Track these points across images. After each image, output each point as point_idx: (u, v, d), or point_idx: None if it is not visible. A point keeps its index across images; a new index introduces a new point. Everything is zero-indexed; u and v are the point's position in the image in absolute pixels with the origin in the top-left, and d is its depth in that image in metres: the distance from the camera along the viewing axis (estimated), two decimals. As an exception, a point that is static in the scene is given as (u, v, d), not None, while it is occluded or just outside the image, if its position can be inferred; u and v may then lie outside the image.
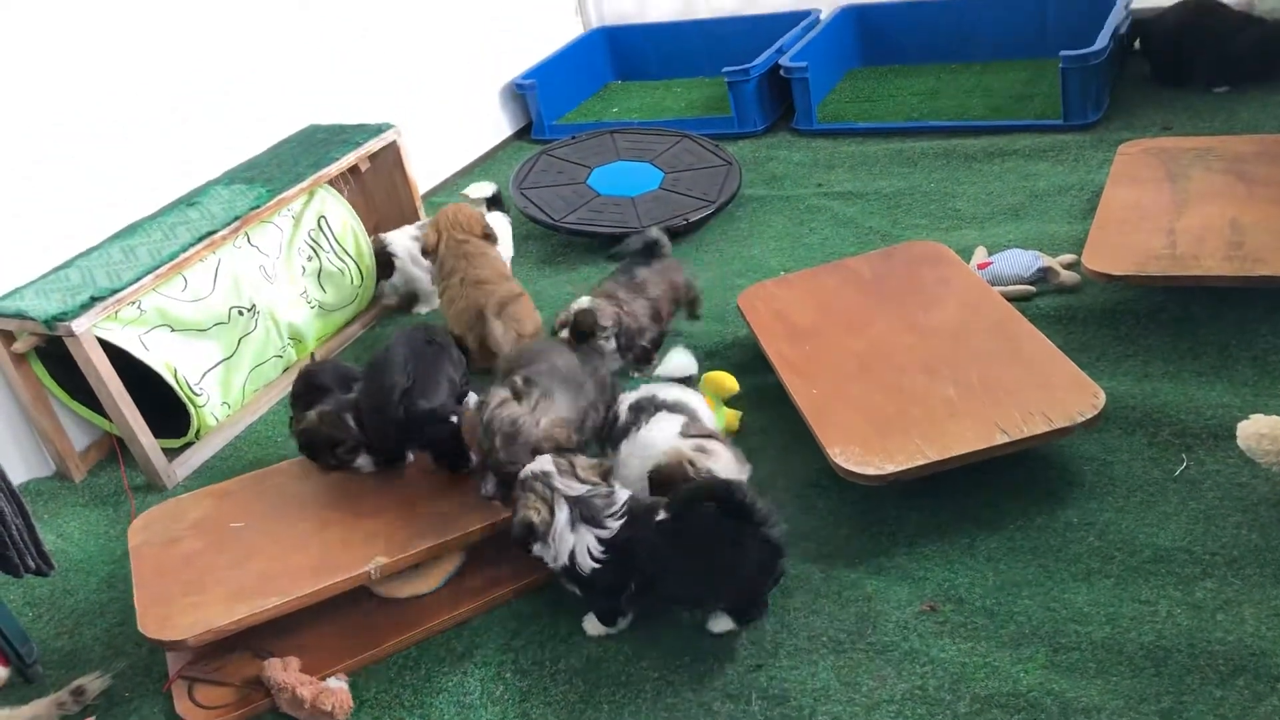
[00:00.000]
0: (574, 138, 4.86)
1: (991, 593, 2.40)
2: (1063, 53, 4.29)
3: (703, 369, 3.15)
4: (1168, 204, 3.29)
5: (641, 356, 3.38)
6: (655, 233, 3.53)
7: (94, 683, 2.64)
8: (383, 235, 4.16)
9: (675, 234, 4.20)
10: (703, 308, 3.60)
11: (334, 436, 2.83)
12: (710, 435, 2.61)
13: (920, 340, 2.97)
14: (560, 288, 4.08)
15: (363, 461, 2.87)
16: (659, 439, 2.58)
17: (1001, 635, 2.29)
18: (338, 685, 2.45)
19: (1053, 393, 2.64)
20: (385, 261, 4.11)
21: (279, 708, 2.46)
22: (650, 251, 3.49)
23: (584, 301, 3.28)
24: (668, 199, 4.36)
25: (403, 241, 4.12)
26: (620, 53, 6.08)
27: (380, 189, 4.38)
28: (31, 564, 2.62)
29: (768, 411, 3.13)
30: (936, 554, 2.53)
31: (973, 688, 2.19)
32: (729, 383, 3.06)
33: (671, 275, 3.48)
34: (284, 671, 2.47)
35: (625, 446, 2.65)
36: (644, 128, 4.91)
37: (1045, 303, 3.34)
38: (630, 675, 2.39)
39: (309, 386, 3.04)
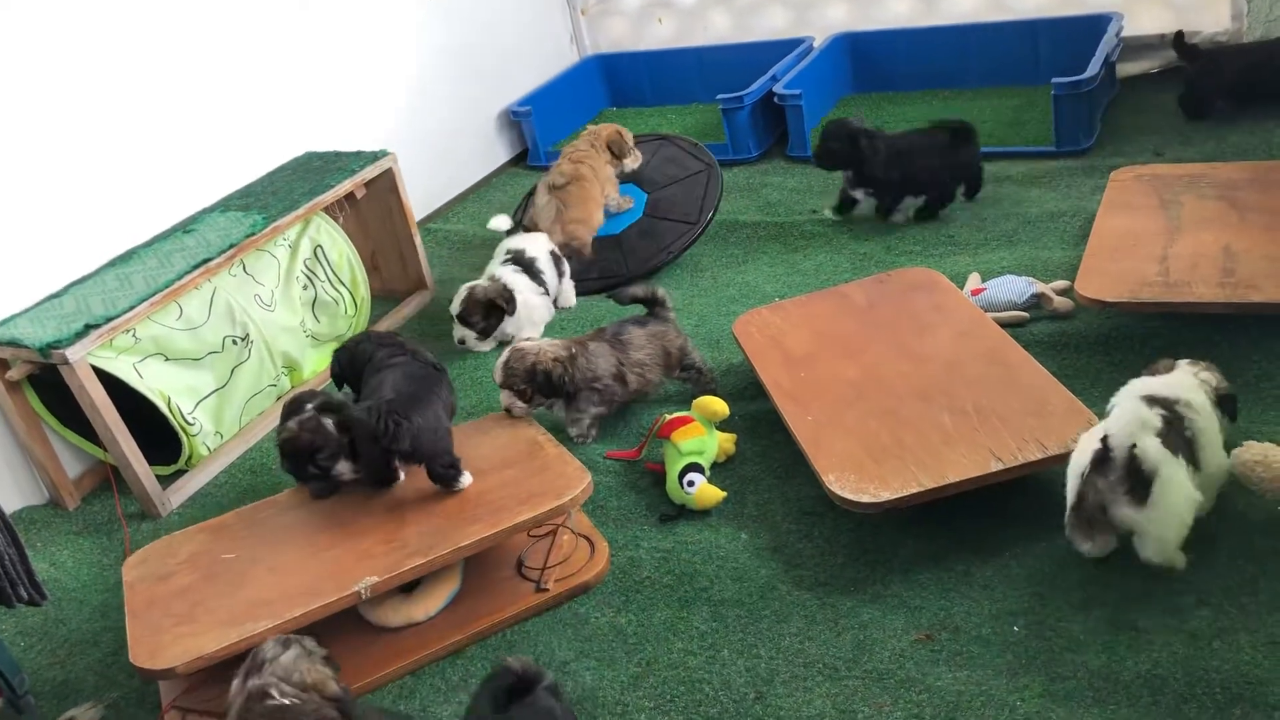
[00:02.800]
0: None
1: (987, 621, 2.39)
2: (1054, 80, 4.32)
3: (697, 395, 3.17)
4: (1160, 231, 3.31)
5: (594, 420, 3.28)
6: (661, 291, 3.40)
7: (86, 713, 2.62)
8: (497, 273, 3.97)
9: (666, 263, 4.22)
10: (709, 378, 3.39)
11: (314, 443, 2.83)
12: None
13: (915, 367, 2.98)
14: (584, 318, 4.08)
15: (343, 468, 2.86)
16: None
17: (998, 664, 2.29)
18: None
19: (1047, 419, 2.64)
20: (501, 302, 3.88)
21: None
22: (651, 304, 3.39)
23: (528, 343, 3.22)
24: (652, 229, 4.35)
25: (523, 279, 3.98)
26: (615, 80, 6.11)
27: (376, 216, 4.39)
28: (24, 594, 2.60)
29: (763, 438, 3.13)
30: (932, 582, 2.53)
31: (969, 716, 2.18)
32: (719, 407, 3.06)
33: (665, 340, 3.33)
34: None
35: None
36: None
37: (1039, 329, 3.35)
38: (625, 705, 2.37)
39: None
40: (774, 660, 2.41)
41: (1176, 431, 2.36)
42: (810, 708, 2.27)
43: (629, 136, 4.55)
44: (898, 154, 4.14)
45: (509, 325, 3.92)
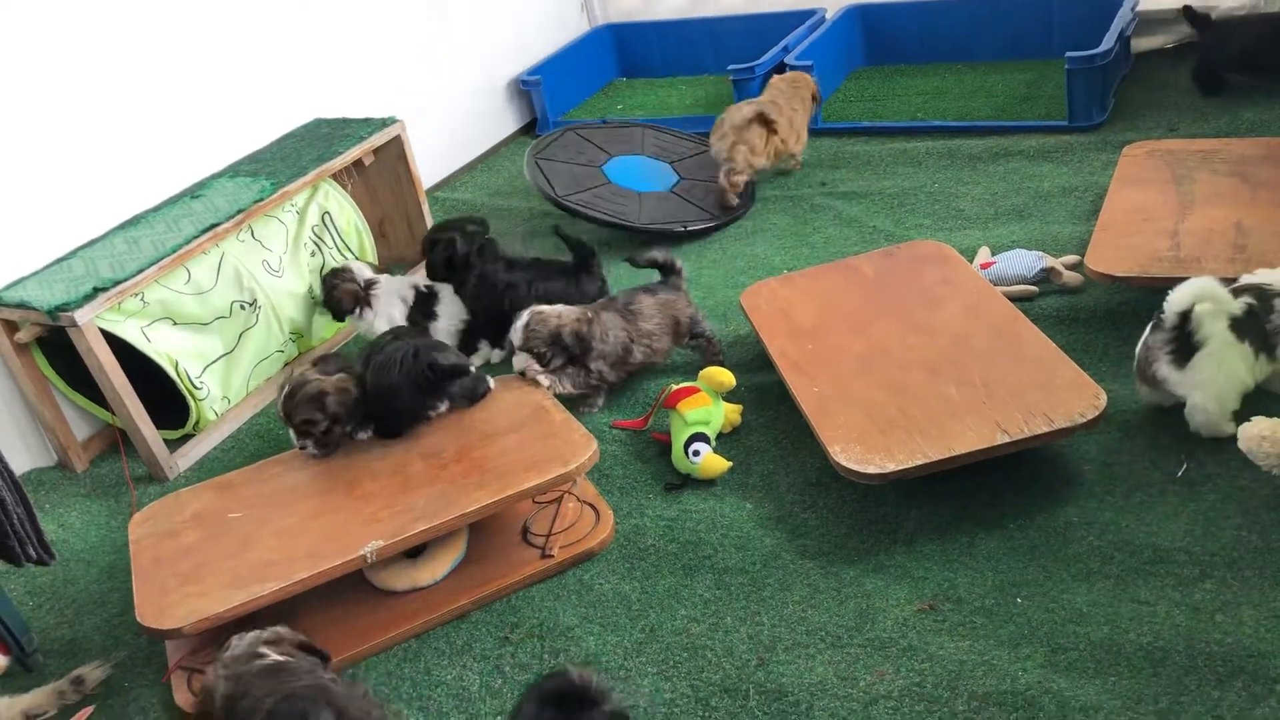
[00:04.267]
0: (605, 122, 4.86)
1: (991, 592, 2.40)
2: (1068, 54, 4.29)
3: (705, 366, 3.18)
4: (1172, 206, 3.29)
5: (583, 385, 3.25)
6: (679, 262, 3.40)
7: (94, 672, 2.64)
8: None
9: (675, 236, 4.21)
10: (717, 349, 3.37)
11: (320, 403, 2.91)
12: None
13: (922, 340, 2.97)
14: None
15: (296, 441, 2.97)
16: None
17: (1000, 634, 2.29)
18: None
19: (1054, 393, 2.64)
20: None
21: None
22: (667, 271, 3.39)
23: (548, 308, 3.22)
24: (673, 203, 4.36)
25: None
26: (626, 50, 6.08)
27: (384, 183, 4.38)
28: (33, 553, 2.63)
29: (769, 410, 3.13)
30: (936, 553, 2.53)
31: (970, 685, 2.19)
32: (726, 378, 3.06)
33: (675, 309, 3.32)
34: None
35: None
36: (676, 130, 4.90)
37: (1048, 303, 3.34)
38: (628, 670, 2.39)
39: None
40: (776, 628, 2.42)
41: (1258, 321, 2.55)
42: (812, 674, 2.28)
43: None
44: (491, 286, 3.55)
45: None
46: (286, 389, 2.96)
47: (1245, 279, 2.65)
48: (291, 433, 2.98)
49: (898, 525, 2.64)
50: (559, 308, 3.22)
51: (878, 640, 2.34)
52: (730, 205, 4.30)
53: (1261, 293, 2.59)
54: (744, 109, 4.35)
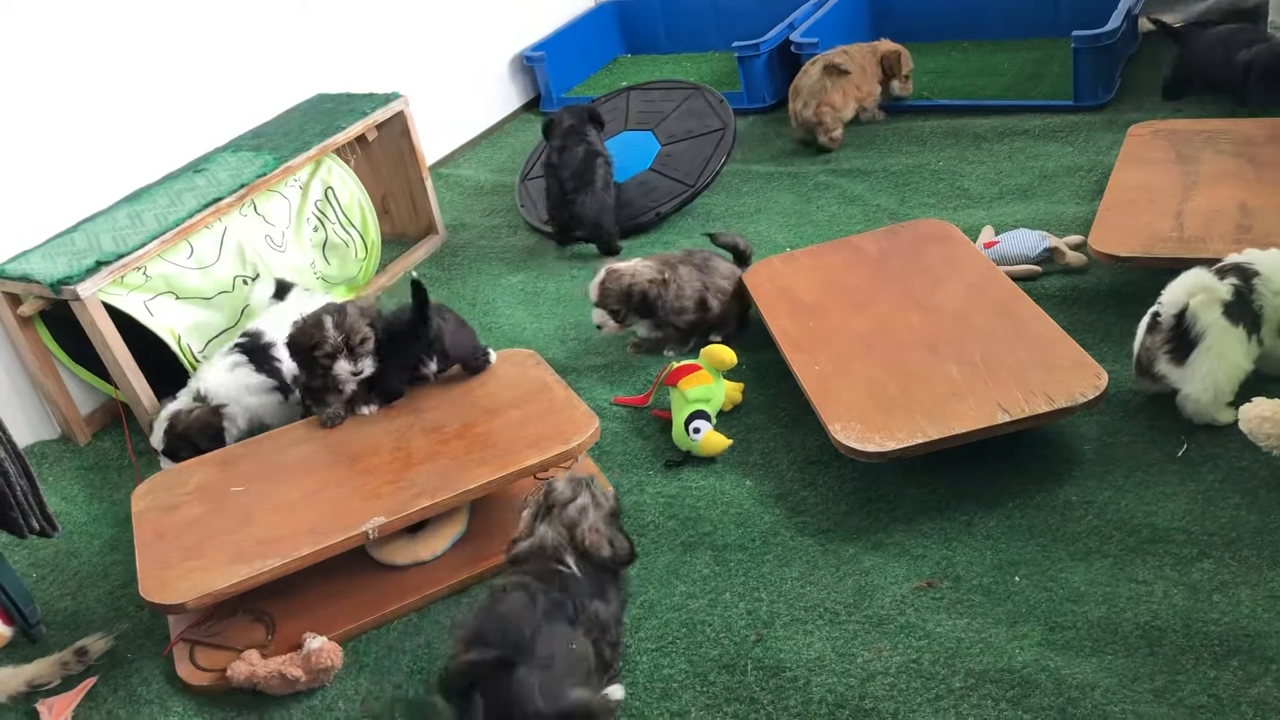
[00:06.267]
0: (594, 101, 4.85)
1: (989, 571, 2.41)
2: (1075, 33, 4.26)
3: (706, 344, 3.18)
4: (1177, 186, 3.28)
5: (675, 337, 3.35)
6: (750, 251, 3.52)
7: (97, 644, 2.66)
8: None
9: (663, 217, 4.20)
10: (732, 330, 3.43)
11: (315, 338, 2.86)
12: None
13: (924, 319, 2.97)
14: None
15: (342, 366, 2.87)
16: None
17: (998, 612, 2.30)
18: (318, 642, 2.46)
19: (1055, 373, 2.64)
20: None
21: (277, 695, 2.44)
22: (740, 258, 3.50)
23: (624, 264, 3.29)
24: (651, 184, 4.32)
25: (240, 377, 3.24)
26: (630, 26, 6.05)
27: (387, 159, 4.37)
28: (36, 525, 2.64)
29: (770, 388, 3.13)
30: (935, 531, 2.54)
31: (967, 663, 2.20)
32: (727, 355, 3.06)
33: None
34: (254, 664, 2.45)
35: None
36: (663, 83, 4.88)
37: (1051, 283, 3.33)
38: (627, 646, 2.39)
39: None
40: (775, 604, 2.43)
41: (1245, 302, 2.57)
42: (810, 650, 2.29)
43: (908, 64, 4.64)
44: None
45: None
46: (330, 319, 2.86)
47: (1228, 259, 2.66)
48: (343, 362, 2.85)
49: (897, 503, 2.64)
50: (634, 263, 3.28)
51: (875, 617, 2.35)
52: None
53: (1243, 272, 2.61)
54: (811, 70, 4.48)
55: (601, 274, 3.25)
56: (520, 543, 2.27)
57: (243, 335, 3.31)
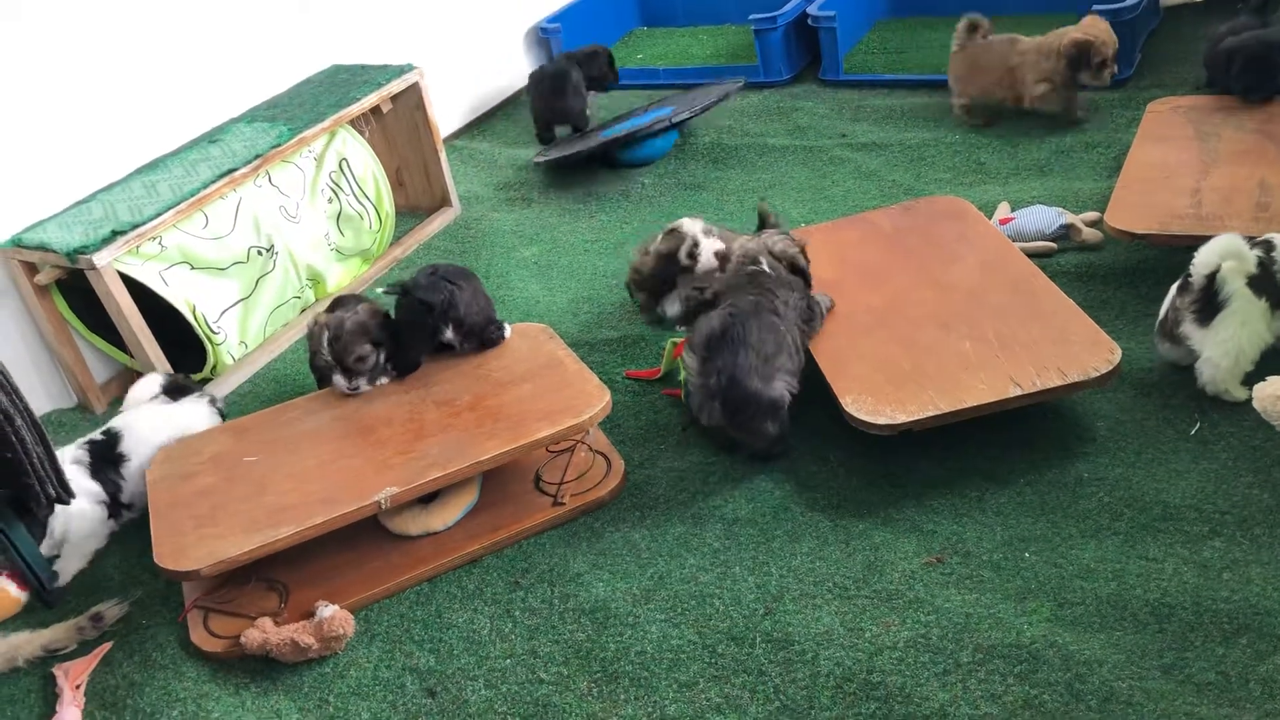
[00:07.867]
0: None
1: (999, 546, 2.41)
2: (1095, 7, 4.21)
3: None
4: (1195, 163, 3.25)
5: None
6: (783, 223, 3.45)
7: (112, 610, 2.69)
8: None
9: (690, 185, 4.19)
10: None
11: (311, 347, 2.98)
12: None
13: (939, 295, 2.96)
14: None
15: (338, 381, 2.98)
16: None
17: (1007, 588, 2.30)
18: (330, 610, 2.49)
19: (1069, 348, 2.63)
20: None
21: (289, 663, 2.47)
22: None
23: (684, 223, 3.32)
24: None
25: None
26: (646, -2, 6.03)
27: (402, 131, 4.37)
28: (52, 492, 2.66)
29: (782, 362, 3.13)
30: (945, 507, 2.54)
31: (976, 638, 2.20)
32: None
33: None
34: (267, 632, 2.48)
35: None
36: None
37: (1066, 260, 3.31)
38: (637, 617, 2.41)
39: None
40: (784, 578, 2.44)
41: (1270, 275, 2.56)
42: (818, 624, 2.30)
43: (1107, 52, 3.93)
44: None
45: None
46: (326, 335, 2.93)
47: (1264, 236, 2.66)
48: (338, 376, 2.96)
49: (907, 479, 2.64)
50: (759, 239, 3.13)
51: (885, 592, 2.35)
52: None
53: (1269, 245, 2.61)
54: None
55: (753, 243, 3.04)
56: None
57: (101, 432, 2.97)
